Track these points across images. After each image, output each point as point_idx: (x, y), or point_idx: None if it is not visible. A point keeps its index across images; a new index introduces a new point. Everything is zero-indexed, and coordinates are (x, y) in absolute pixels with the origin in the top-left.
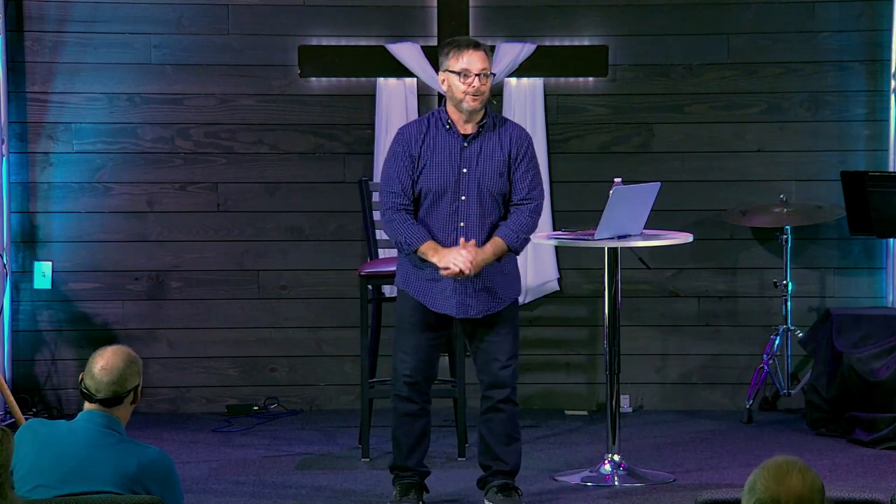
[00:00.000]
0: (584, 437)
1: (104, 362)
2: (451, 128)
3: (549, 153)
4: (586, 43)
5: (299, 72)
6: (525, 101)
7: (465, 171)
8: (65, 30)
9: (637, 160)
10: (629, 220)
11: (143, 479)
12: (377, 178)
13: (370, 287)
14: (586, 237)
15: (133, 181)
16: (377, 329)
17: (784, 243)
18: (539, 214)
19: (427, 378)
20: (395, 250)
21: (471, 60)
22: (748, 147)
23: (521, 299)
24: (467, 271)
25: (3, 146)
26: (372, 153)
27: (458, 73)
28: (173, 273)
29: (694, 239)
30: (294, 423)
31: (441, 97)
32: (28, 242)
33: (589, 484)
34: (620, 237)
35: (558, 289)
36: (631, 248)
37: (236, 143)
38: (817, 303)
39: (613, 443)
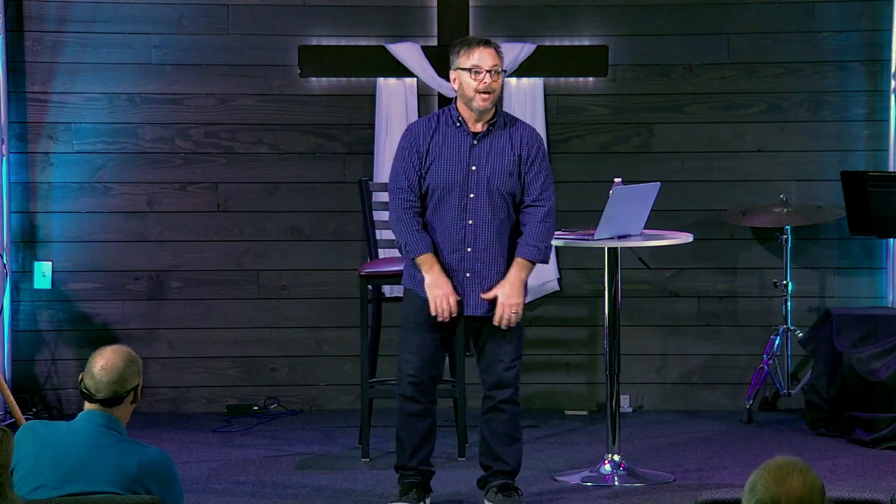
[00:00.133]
0: (584, 437)
1: (104, 362)
2: (461, 125)
3: (550, 153)
4: (586, 43)
5: (299, 72)
6: (525, 101)
7: (473, 168)
8: (65, 30)
9: (637, 160)
10: (629, 220)
11: (144, 478)
12: (377, 178)
13: (370, 287)
14: (586, 237)
15: (133, 181)
16: (377, 329)
17: (784, 243)
18: (553, 216)
19: (432, 378)
20: (396, 250)
21: (482, 57)
22: (748, 147)
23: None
24: (445, 321)
25: (3, 146)
26: (372, 153)
27: (469, 70)
28: (173, 273)
29: (694, 239)
30: (294, 423)
31: (441, 98)
32: (28, 242)
33: (589, 484)
34: (620, 237)
35: (558, 289)
36: (631, 248)
37: (236, 143)
38: (817, 303)
39: (613, 443)
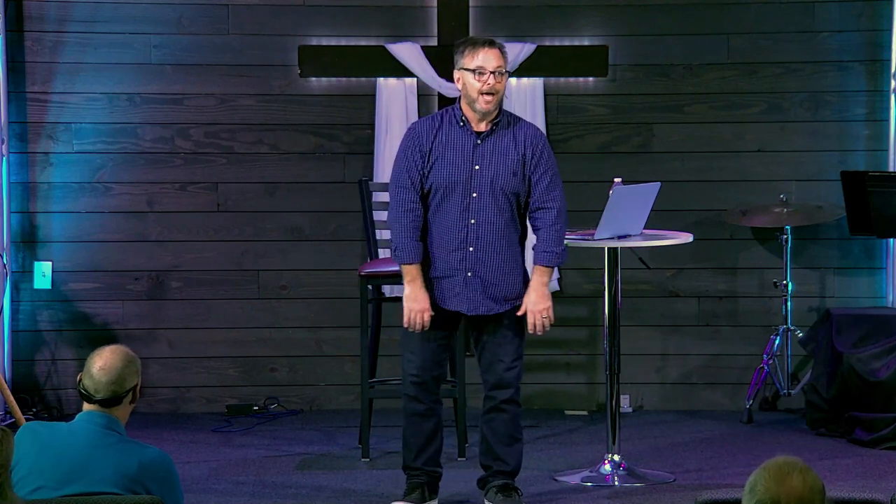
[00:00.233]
0: (584, 437)
1: (102, 362)
2: (464, 125)
3: None
4: (586, 43)
5: (299, 72)
6: (525, 101)
7: (477, 167)
8: (65, 30)
9: (637, 160)
10: (629, 220)
11: (144, 478)
12: (377, 178)
13: (370, 287)
14: (586, 237)
15: (133, 181)
16: (377, 329)
17: (784, 243)
18: (564, 216)
19: (435, 378)
20: None
21: (486, 58)
22: (748, 147)
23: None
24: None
25: (3, 146)
26: (372, 153)
27: (473, 71)
28: (173, 273)
29: (694, 239)
30: (294, 423)
31: (441, 98)
32: (28, 242)
33: (589, 484)
34: (620, 237)
35: (558, 289)
36: (631, 248)
37: (236, 143)
38: (817, 303)
39: (613, 443)
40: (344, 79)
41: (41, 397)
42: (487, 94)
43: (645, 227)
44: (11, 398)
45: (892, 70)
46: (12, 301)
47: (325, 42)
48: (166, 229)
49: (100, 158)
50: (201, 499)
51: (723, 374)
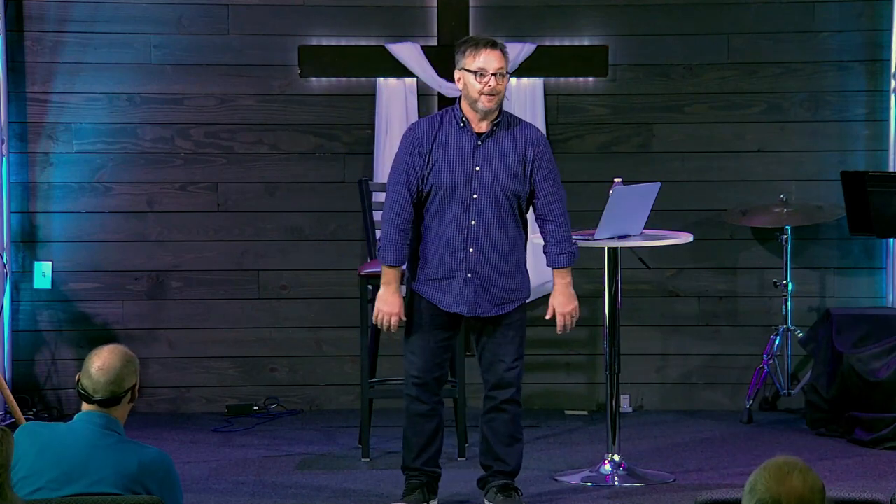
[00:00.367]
0: (584, 437)
1: (101, 362)
2: (465, 126)
3: None
4: (586, 43)
5: (299, 72)
6: (525, 101)
7: (477, 169)
8: (65, 30)
9: (637, 160)
10: (629, 220)
11: (144, 478)
12: (377, 178)
13: (370, 287)
14: (586, 237)
15: (133, 181)
16: (377, 329)
17: (784, 243)
18: (566, 215)
19: (437, 379)
20: None
21: (487, 59)
22: (748, 147)
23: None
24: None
25: (3, 146)
26: (372, 153)
27: (475, 72)
28: (173, 273)
29: (694, 239)
30: (294, 423)
31: (441, 98)
32: (28, 242)
33: (589, 484)
34: (620, 237)
35: None
36: (631, 248)
37: (236, 143)
38: (817, 303)
39: (613, 443)
40: (344, 79)
41: (41, 397)
42: (489, 94)
43: (645, 227)
44: (11, 398)
45: (892, 70)
46: (12, 301)
47: (325, 42)
48: (166, 229)
49: (100, 158)
50: (201, 499)
51: (723, 374)
